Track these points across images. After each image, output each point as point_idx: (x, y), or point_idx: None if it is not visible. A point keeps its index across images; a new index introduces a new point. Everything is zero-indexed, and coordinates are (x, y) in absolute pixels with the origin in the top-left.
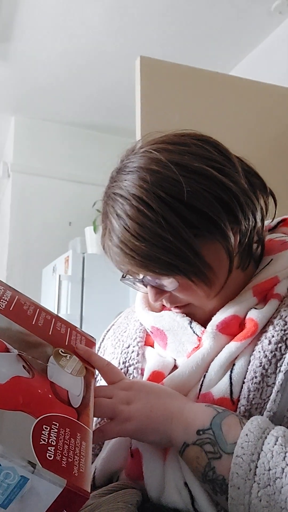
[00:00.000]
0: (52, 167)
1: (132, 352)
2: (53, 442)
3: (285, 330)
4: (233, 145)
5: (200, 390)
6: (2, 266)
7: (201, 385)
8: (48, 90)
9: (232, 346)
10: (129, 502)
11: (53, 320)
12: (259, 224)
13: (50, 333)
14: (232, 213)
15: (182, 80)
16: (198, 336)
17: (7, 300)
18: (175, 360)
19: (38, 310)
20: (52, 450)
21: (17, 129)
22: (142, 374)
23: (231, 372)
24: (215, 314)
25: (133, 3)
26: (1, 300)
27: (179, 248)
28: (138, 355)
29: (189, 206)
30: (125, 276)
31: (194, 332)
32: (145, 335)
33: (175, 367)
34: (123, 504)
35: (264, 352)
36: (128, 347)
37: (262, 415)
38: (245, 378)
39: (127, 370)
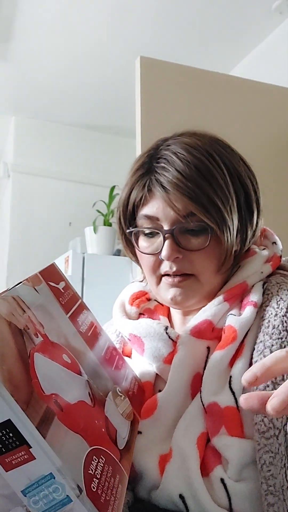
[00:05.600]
0: (52, 167)
1: None
2: (98, 475)
3: (281, 338)
4: (233, 145)
5: (201, 400)
6: (2, 266)
7: (201, 397)
8: (48, 90)
9: (217, 355)
10: None
11: (117, 356)
12: (250, 234)
13: (112, 369)
14: (251, 209)
15: (182, 80)
16: (173, 341)
17: (87, 325)
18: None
19: (108, 343)
20: (96, 482)
21: (17, 129)
22: None
23: (230, 383)
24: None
25: (133, 3)
26: (83, 324)
27: (227, 201)
28: None
29: (239, 177)
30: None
31: (169, 337)
32: (122, 346)
33: (156, 375)
34: None
35: None
36: None
37: (285, 424)
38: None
39: None
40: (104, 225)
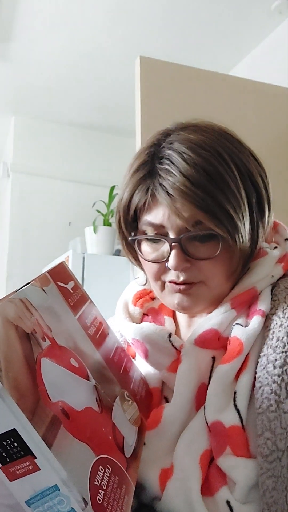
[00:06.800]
0: (52, 167)
1: None
2: (104, 486)
3: (285, 352)
4: None
5: (205, 418)
6: (2, 266)
7: (205, 414)
8: (48, 90)
9: (222, 369)
10: None
11: (126, 358)
12: (261, 235)
13: (120, 372)
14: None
15: (182, 80)
16: (176, 349)
17: (96, 326)
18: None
19: (116, 344)
20: (102, 494)
21: (17, 129)
22: None
23: (234, 400)
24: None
25: (133, 3)
26: (92, 325)
27: (239, 207)
28: None
29: (250, 176)
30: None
31: (173, 345)
32: (126, 346)
33: (162, 382)
34: None
35: (271, 377)
36: None
37: None
38: (259, 408)
39: None
40: (104, 225)
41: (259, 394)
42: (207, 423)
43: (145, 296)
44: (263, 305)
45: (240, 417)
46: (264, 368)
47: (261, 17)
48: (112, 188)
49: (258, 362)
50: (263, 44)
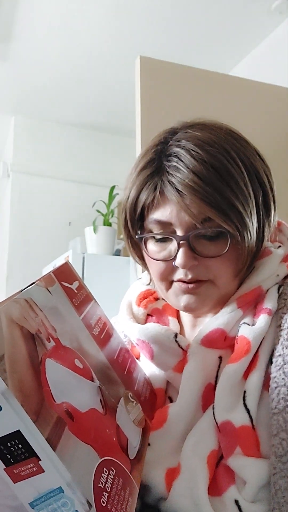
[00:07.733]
0: (52, 167)
1: None
2: (108, 489)
3: None
4: None
5: (214, 417)
6: (2, 266)
7: (214, 413)
8: (48, 90)
9: (230, 368)
10: None
11: (130, 359)
12: (267, 234)
13: (125, 373)
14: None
15: (182, 80)
16: (183, 349)
17: (100, 327)
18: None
19: (121, 345)
20: (106, 497)
21: (17, 129)
22: None
23: (244, 400)
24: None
25: (133, 3)
26: (96, 326)
27: (248, 204)
28: None
29: (256, 174)
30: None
31: (179, 345)
32: (130, 346)
33: (166, 382)
34: None
35: None
36: None
37: None
38: (275, 408)
39: None
40: (104, 225)
41: (275, 394)
42: (216, 423)
43: (149, 297)
44: (269, 303)
45: (250, 417)
46: (280, 368)
47: (261, 17)
48: (112, 188)
49: (272, 362)
50: (263, 44)
